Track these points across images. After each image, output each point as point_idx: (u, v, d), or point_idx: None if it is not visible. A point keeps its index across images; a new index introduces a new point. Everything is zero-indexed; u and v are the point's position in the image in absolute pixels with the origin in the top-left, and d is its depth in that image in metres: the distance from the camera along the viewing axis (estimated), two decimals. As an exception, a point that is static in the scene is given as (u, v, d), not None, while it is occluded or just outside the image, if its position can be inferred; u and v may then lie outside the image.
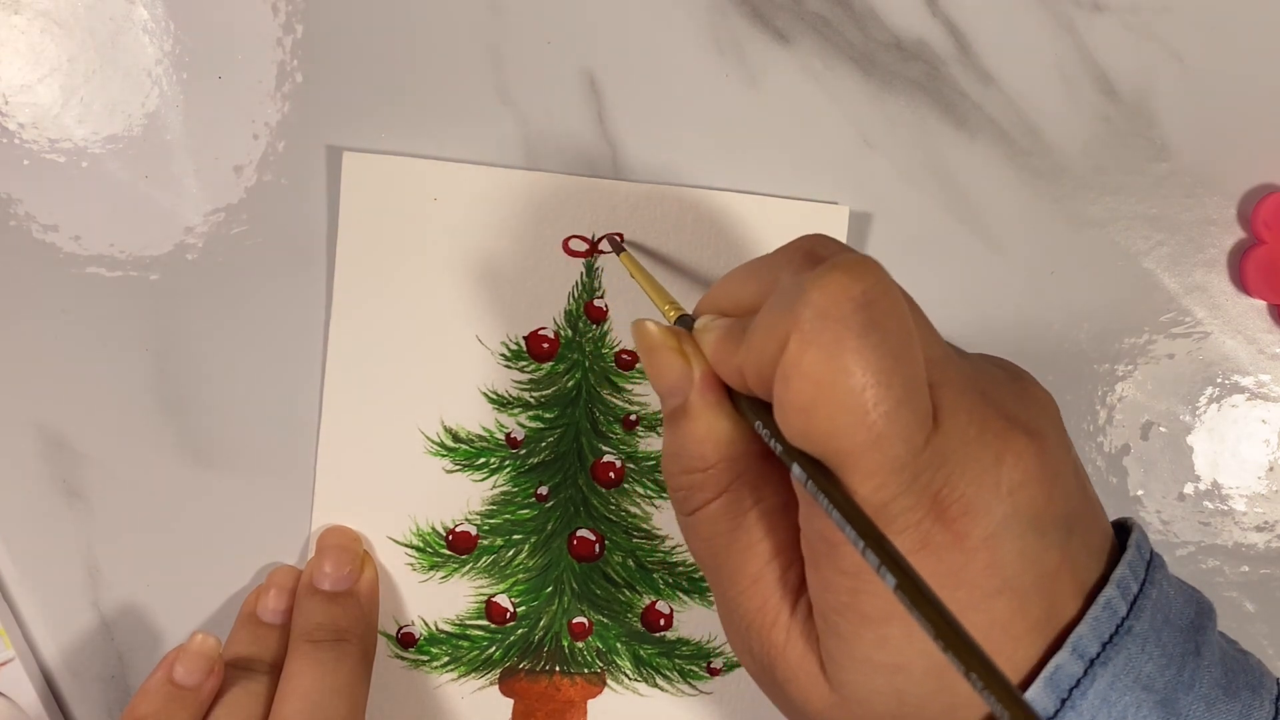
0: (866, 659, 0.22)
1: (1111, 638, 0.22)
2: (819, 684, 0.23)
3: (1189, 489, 0.35)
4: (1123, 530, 0.25)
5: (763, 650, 0.24)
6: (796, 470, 0.21)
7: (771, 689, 0.25)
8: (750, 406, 0.23)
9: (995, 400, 0.22)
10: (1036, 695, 0.21)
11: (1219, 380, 0.35)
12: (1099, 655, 0.22)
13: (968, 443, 0.21)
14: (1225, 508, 0.36)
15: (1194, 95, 0.34)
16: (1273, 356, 0.35)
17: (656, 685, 0.35)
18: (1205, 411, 0.35)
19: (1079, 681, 0.22)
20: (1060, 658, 0.22)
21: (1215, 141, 0.35)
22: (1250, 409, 0.35)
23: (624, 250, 0.33)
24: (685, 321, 0.26)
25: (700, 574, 0.35)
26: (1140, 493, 0.35)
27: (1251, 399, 0.35)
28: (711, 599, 0.35)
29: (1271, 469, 0.35)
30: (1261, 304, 0.35)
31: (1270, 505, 0.36)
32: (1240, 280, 0.35)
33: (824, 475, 0.21)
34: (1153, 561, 0.24)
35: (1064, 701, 0.21)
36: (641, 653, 0.35)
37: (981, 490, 0.21)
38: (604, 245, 0.34)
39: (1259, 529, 0.36)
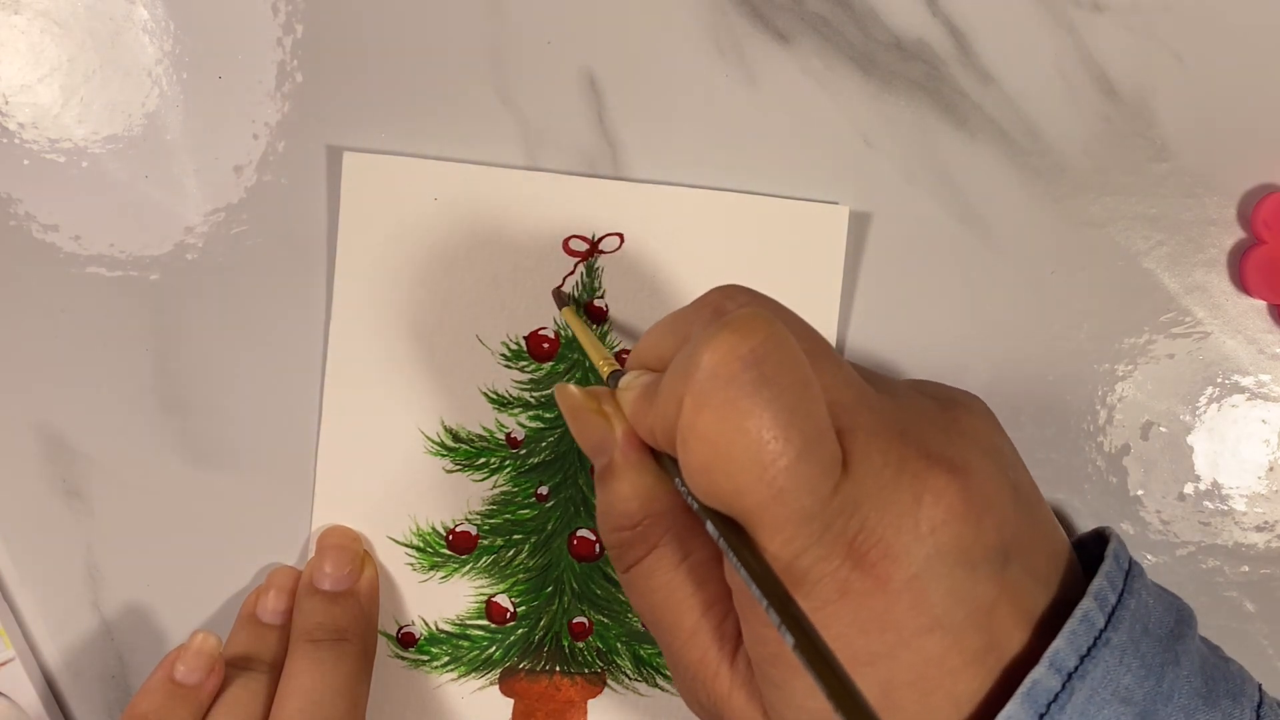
0: (802, 707, 0.22)
1: (1089, 650, 0.22)
2: None
3: (1189, 489, 0.35)
4: (1101, 540, 0.25)
5: (709, 700, 0.25)
6: (710, 528, 0.21)
7: None
8: (670, 464, 0.23)
9: (915, 438, 0.22)
10: (1014, 711, 0.21)
11: (1219, 380, 0.35)
12: (1077, 669, 0.22)
13: (883, 486, 0.21)
14: (1225, 508, 0.36)
15: (1194, 95, 0.34)
16: (1273, 356, 0.35)
17: (657, 685, 0.35)
18: (1205, 411, 0.35)
19: (1057, 696, 0.22)
20: (1037, 672, 0.22)
21: (1215, 141, 0.35)
22: (1250, 409, 0.35)
23: (568, 304, 0.33)
24: (618, 377, 0.26)
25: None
26: (1140, 493, 0.35)
27: (1251, 399, 0.35)
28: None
29: (1271, 469, 0.35)
30: (1261, 304, 0.35)
31: (1270, 505, 0.36)
32: (1240, 280, 0.35)
33: (736, 533, 0.21)
34: (1131, 571, 0.24)
35: (1042, 717, 0.21)
36: (642, 653, 0.35)
37: (900, 533, 0.21)
38: (605, 245, 0.34)
39: (1259, 529, 0.36)
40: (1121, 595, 0.23)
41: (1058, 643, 0.22)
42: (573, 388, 0.26)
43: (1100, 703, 0.22)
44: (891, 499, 0.21)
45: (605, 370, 0.28)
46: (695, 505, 0.22)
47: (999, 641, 0.22)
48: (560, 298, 0.33)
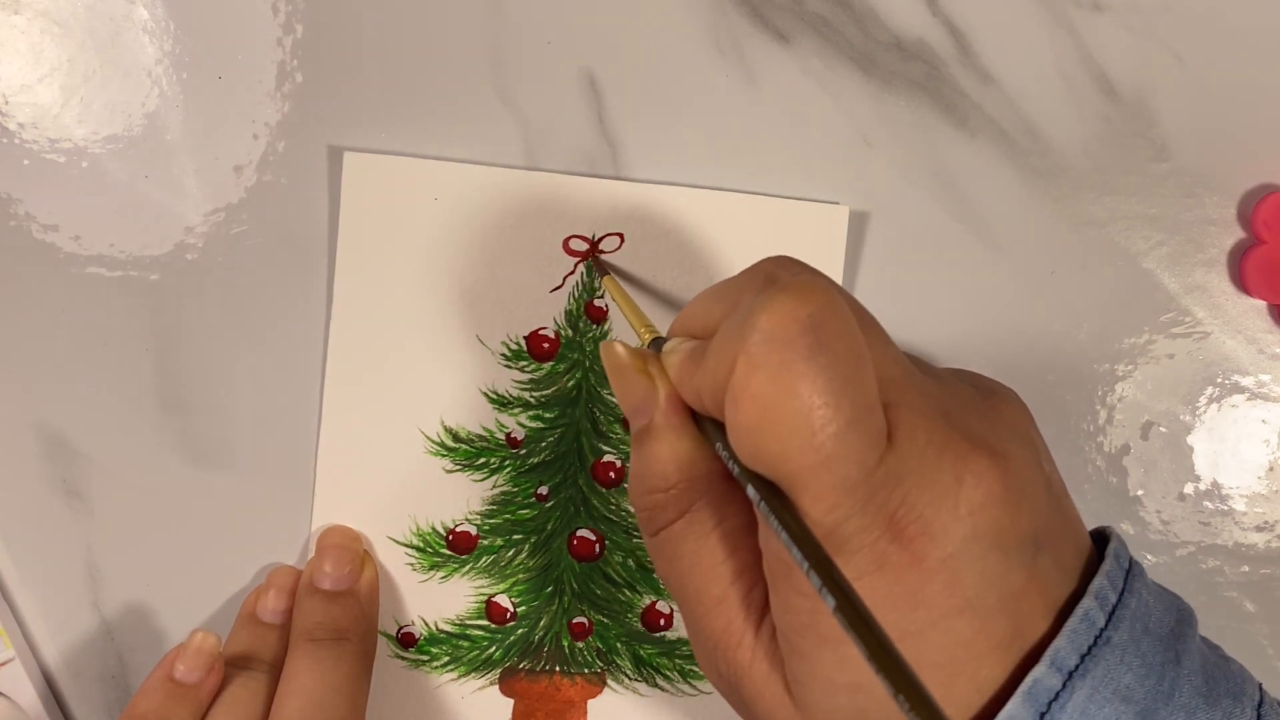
0: (828, 679, 0.22)
1: (1090, 649, 0.22)
2: (784, 703, 0.24)
3: (1189, 489, 0.35)
4: (1102, 539, 0.25)
5: (729, 670, 0.25)
6: (750, 492, 0.21)
7: (739, 707, 0.25)
8: (712, 428, 0.23)
9: (958, 420, 0.22)
10: (1015, 710, 0.21)
11: (1219, 380, 0.35)
12: (1077, 667, 0.22)
13: (925, 463, 0.21)
14: (1225, 508, 0.36)
15: (1194, 95, 0.34)
16: (1273, 356, 0.35)
17: (656, 685, 0.35)
18: (1205, 411, 0.35)
19: (1058, 695, 0.22)
20: (1038, 671, 0.22)
21: (1215, 141, 0.35)
22: (1250, 409, 0.35)
23: (608, 274, 0.33)
24: (659, 344, 0.26)
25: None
26: (1140, 493, 0.35)
27: (1251, 399, 0.35)
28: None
29: (1271, 469, 0.35)
30: (1261, 304, 0.35)
31: (1270, 505, 0.36)
32: (1240, 280, 0.35)
33: (778, 497, 0.21)
34: (1131, 570, 0.24)
35: (1043, 715, 0.21)
36: (642, 653, 0.35)
37: (940, 511, 0.21)
38: (605, 245, 0.34)
39: (1259, 529, 0.36)
40: (1122, 594, 0.23)
41: (1058, 641, 0.22)
42: (619, 345, 0.25)
43: (1101, 701, 0.22)
44: (933, 477, 0.21)
45: (646, 337, 0.28)
46: (736, 470, 0.22)
47: (1025, 630, 0.22)
48: (601, 266, 0.33)
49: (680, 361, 0.24)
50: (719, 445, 0.23)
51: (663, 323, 0.34)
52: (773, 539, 0.22)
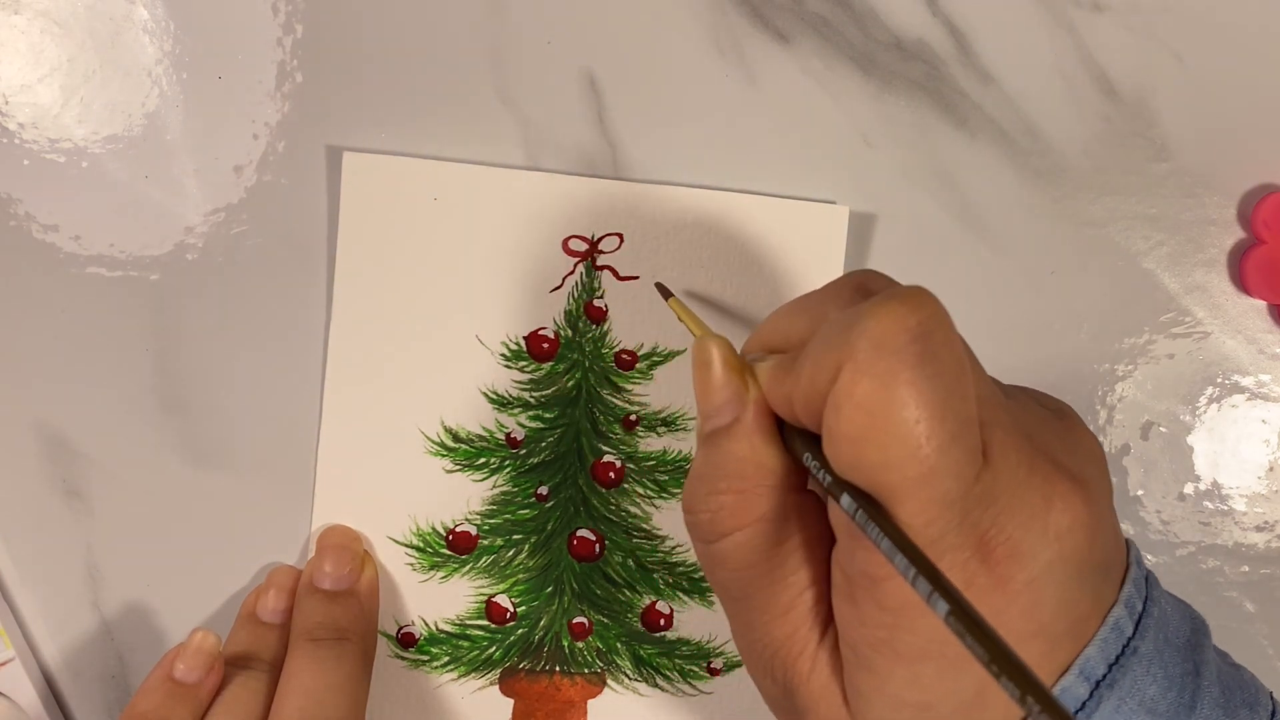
0: (896, 696, 0.22)
1: (1117, 659, 0.22)
2: (840, 716, 0.23)
3: (1189, 489, 0.35)
4: None
5: (786, 678, 0.24)
6: (845, 501, 0.21)
7: (788, 715, 0.25)
8: (799, 438, 0.23)
9: (1041, 443, 0.22)
10: None
11: (1219, 380, 0.35)
12: (1105, 677, 0.22)
13: (1017, 484, 0.21)
14: (1225, 508, 0.36)
15: (1194, 95, 0.34)
16: (1273, 356, 0.35)
17: (656, 685, 0.35)
18: (1205, 411, 0.35)
19: (1084, 705, 0.21)
20: (1067, 680, 0.22)
21: (1215, 141, 0.35)
22: (1250, 409, 0.35)
23: (672, 295, 0.33)
24: None
25: (700, 574, 0.35)
26: (1140, 493, 0.35)
27: (1251, 399, 0.35)
28: (712, 599, 0.35)
29: (1271, 469, 0.35)
30: (1261, 304, 0.35)
31: (1270, 505, 0.36)
32: (1240, 280, 0.35)
33: (873, 507, 0.20)
34: (1149, 578, 0.24)
35: None
36: (642, 653, 0.35)
37: (1029, 534, 0.21)
38: (605, 245, 0.34)
39: (1259, 529, 0.36)
40: (1146, 602, 0.23)
41: (1089, 650, 0.22)
42: (714, 344, 0.25)
43: (1127, 712, 0.21)
44: (1024, 498, 0.21)
45: None
46: (828, 480, 0.21)
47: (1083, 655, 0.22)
48: (663, 290, 0.33)
49: (770, 370, 0.24)
50: (808, 455, 0.22)
51: (664, 330, 0.34)
52: (857, 552, 0.22)
